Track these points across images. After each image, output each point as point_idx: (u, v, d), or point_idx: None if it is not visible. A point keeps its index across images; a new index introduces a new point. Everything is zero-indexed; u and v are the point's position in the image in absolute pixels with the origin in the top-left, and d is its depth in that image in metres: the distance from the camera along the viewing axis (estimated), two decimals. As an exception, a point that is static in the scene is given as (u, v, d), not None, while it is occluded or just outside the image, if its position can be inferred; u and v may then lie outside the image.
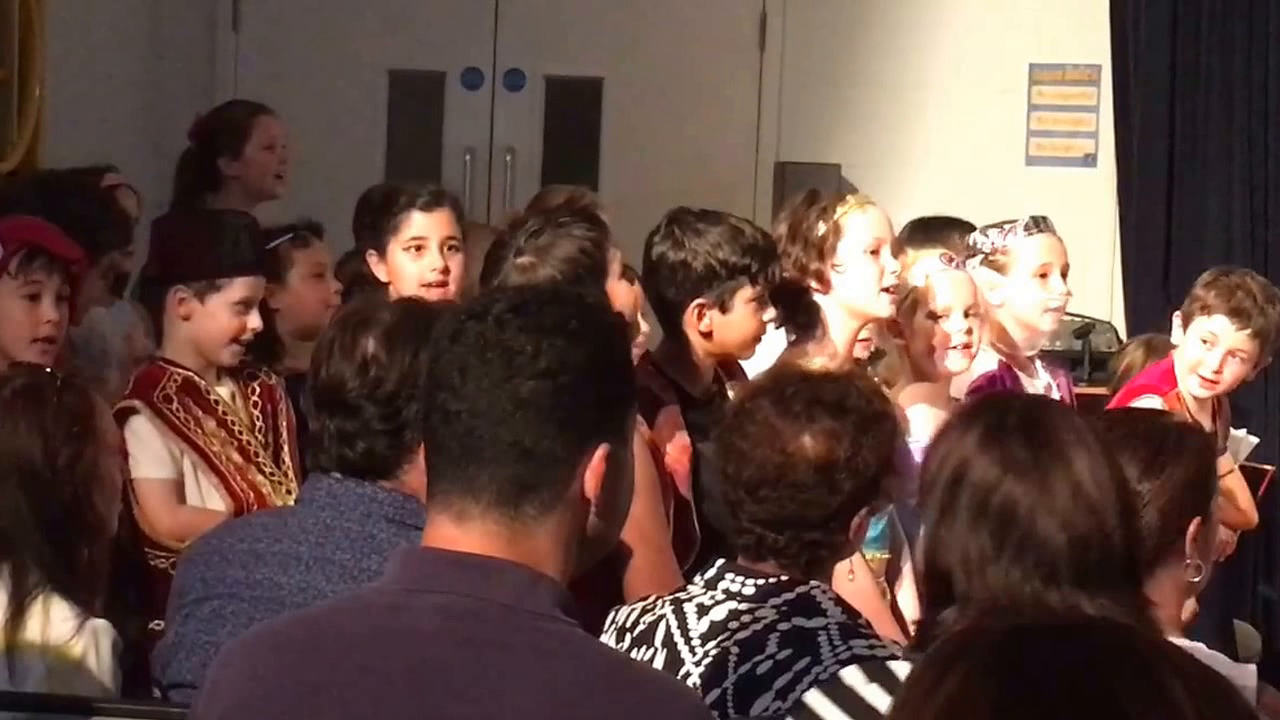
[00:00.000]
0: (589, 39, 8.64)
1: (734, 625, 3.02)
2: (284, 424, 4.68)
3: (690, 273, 4.39)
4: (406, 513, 3.18)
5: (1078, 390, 6.01)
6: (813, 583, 3.06)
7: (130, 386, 4.60)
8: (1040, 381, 5.31)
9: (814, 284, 4.81)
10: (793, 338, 4.81)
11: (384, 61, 8.68)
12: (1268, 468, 6.15)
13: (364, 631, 2.19)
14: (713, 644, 3.02)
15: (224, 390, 4.65)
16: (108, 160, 5.86)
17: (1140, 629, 1.56)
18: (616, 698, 2.14)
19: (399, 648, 2.16)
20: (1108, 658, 1.41)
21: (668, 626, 3.08)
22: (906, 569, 4.56)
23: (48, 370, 3.88)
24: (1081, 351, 7.36)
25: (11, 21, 6.48)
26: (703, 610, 3.07)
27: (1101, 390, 6.23)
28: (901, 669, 2.70)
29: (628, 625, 3.15)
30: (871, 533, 3.96)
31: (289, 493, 4.50)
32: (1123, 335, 7.57)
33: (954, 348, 4.89)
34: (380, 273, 4.96)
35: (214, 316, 4.58)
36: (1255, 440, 6.11)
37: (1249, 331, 5.47)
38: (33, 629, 3.50)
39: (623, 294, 4.31)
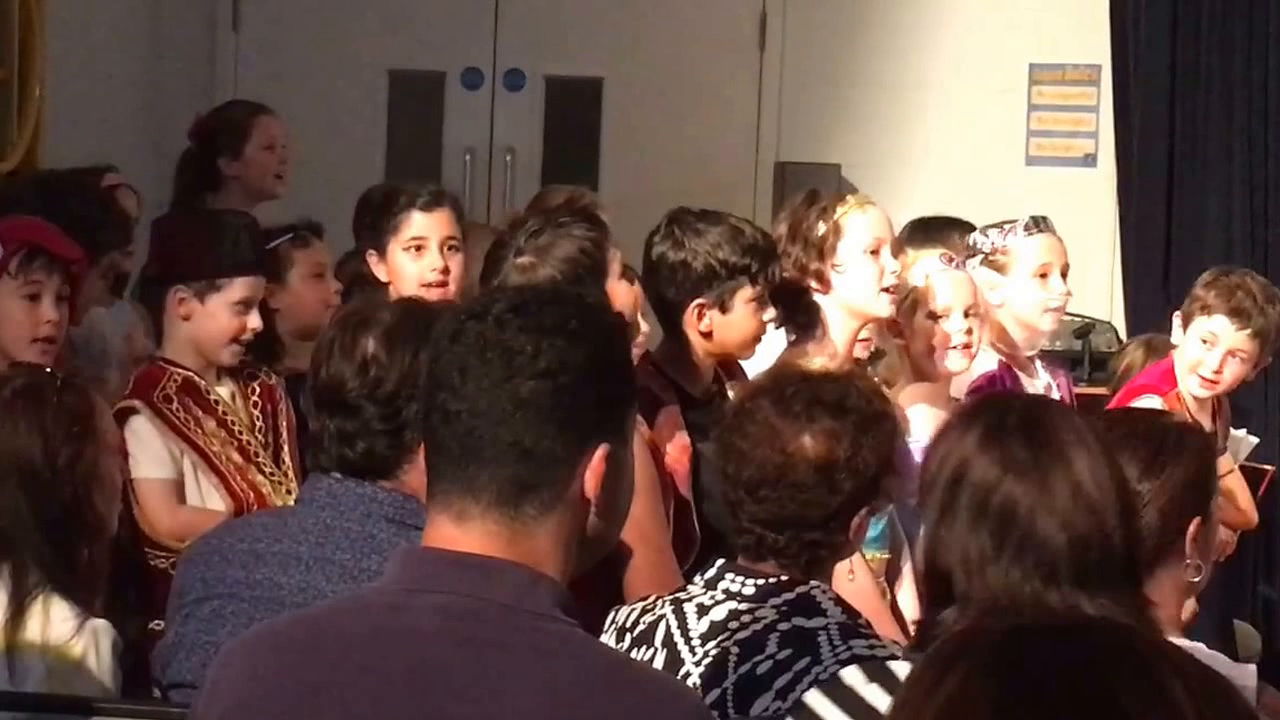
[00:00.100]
0: (589, 39, 8.64)
1: (734, 625, 3.02)
2: (284, 424, 4.68)
3: (690, 273, 4.39)
4: (406, 513, 3.18)
5: (1078, 390, 6.01)
6: (813, 583, 3.06)
7: (130, 386, 4.60)
8: (1040, 381, 5.31)
9: (814, 284, 4.81)
10: (793, 338, 4.81)
11: (384, 61, 8.68)
12: (1268, 468, 6.15)
13: (364, 631, 2.19)
14: (713, 644, 3.02)
15: (224, 390, 4.65)
16: (108, 160, 5.86)
17: (1140, 629, 1.56)
18: (616, 698, 2.14)
19: (399, 648, 2.16)
20: (1108, 658, 1.41)
21: (668, 626, 3.08)
22: (906, 569, 4.56)
23: (48, 370, 3.88)
24: (1081, 351, 7.36)
25: (11, 21, 6.48)
26: (703, 610, 3.07)
27: (1101, 390, 6.23)
28: (901, 669, 2.70)
29: (628, 625, 3.15)
30: (871, 533, 3.96)
31: (289, 493, 4.50)
32: (1123, 335, 7.58)
33: (954, 348, 4.89)
34: (380, 273, 4.96)
35: (214, 316, 4.58)
36: (1255, 440, 6.11)
37: (1249, 331, 5.47)
38: (33, 629, 3.50)
39: (623, 294, 4.31)
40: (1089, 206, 8.23)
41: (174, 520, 4.45)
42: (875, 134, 8.50)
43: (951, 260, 5.02)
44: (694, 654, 3.03)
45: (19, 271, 4.36)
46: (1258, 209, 7.99)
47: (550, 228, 4.20)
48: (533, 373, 2.20)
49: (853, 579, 3.48)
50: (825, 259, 4.80)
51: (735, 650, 2.99)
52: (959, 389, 5.02)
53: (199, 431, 4.54)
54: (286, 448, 4.65)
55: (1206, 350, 5.49)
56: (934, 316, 4.90)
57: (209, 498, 4.51)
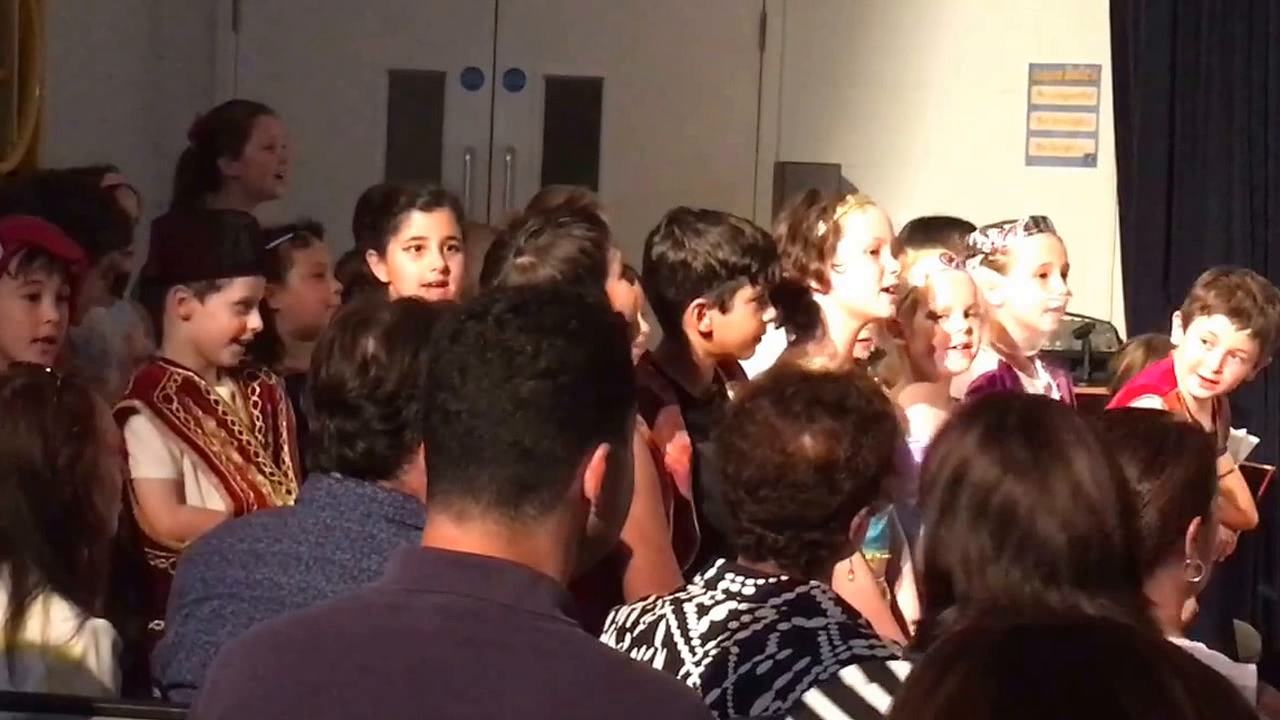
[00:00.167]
0: (589, 39, 8.64)
1: (734, 625, 3.02)
2: (284, 424, 4.68)
3: (690, 273, 4.39)
4: (406, 513, 3.18)
5: (1078, 390, 6.01)
6: (813, 583, 3.06)
7: (130, 386, 4.60)
8: (1040, 381, 5.31)
9: (814, 284, 4.81)
10: (793, 338, 4.81)
11: (384, 61, 8.68)
12: (1268, 468, 6.15)
13: (364, 631, 2.19)
14: (713, 644, 3.02)
15: (224, 390, 4.65)
16: (108, 160, 5.86)
17: (1140, 629, 1.56)
18: (616, 698, 2.14)
19: (399, 648, 2.16)
20: (1108, 658, 1.41)
21: (668, 626, 3.08)
22: (906, 569, 4.56)
23: (48, 370, 3.88)
24: (1081, 351, 7.36)
25: (11, 21, 6.48)
26: (703, 610, 3.07)
27: (1101, 390, 6.23)
28: (901, 669, 2.70)
29: (628, 625, 3.15)
30: (871, 533, 3.96)
31: (289, 493, 4.50)
32: (1123, 335, 7.58)
33: (954, 348, 4.89)
34: (380, 273, 4.96)
35: (214, 316, 4.58)
36: (1255, 440, 6.11)
37: (1249, 331, 5.47)
38: (33, 629, 3.50)
39: (623, 294, 4.31)
40: (1089, 206, 8.23)
41: (174, 520, 4.45)
42: (875, 134, 8.50)
43: (951, 260, 5.02)
44: (694, 654, 3.03)
45: (19, 271, 4.36)
46: (1258, 209, 7.99)
47: (550, 228, 4.20)
48: (533, 373, 2.20)
49: (853, 579, 3.48)
50: (825, 259, 4.80)
51: (735, 650, 2.99)
52: (959, 389, 5.02)
53: (199, 431, 4.54)
54: (286, 448, 4.65)
55: (1206, 350, 5.49)
56: (934, 316, 4.90)
57: (209, 498, 4.51)
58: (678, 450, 4.27)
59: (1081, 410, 3.56)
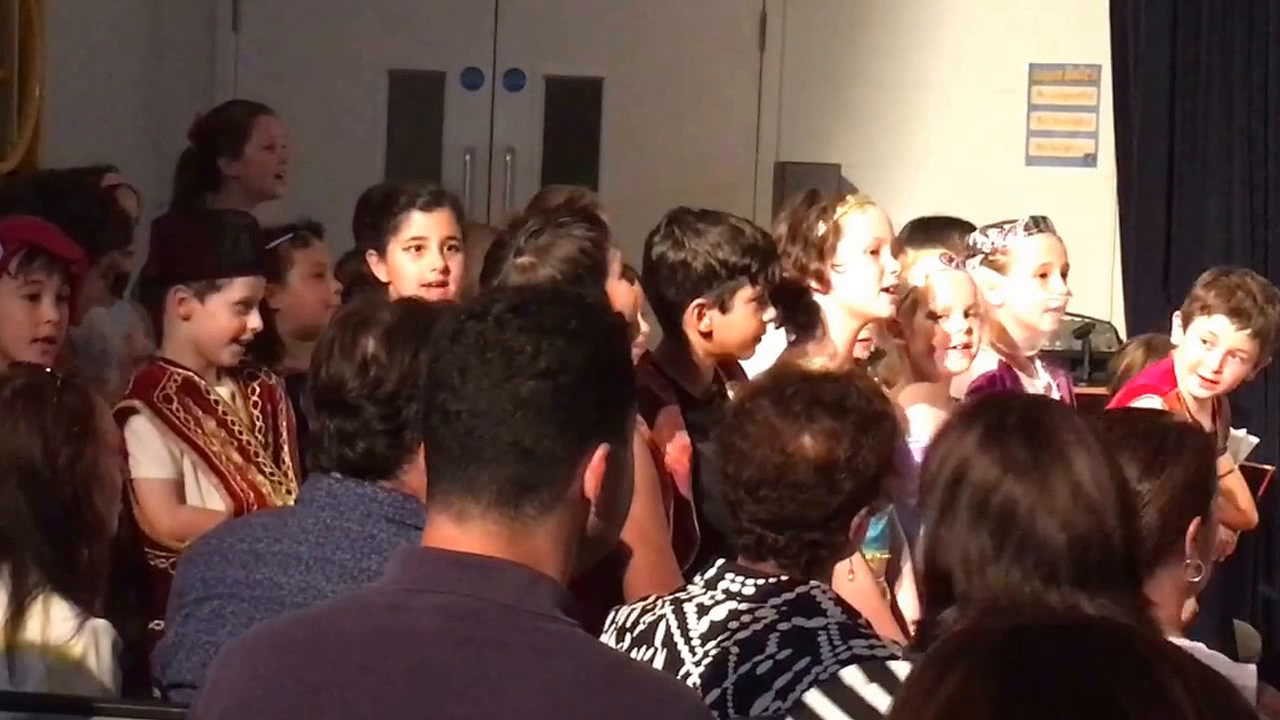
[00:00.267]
0: (589, 39, 8.64)
1: (734, 625, 3.02)
2: (284, 424, 4.68)
3: (690, 273, 4.39)
4: (406, 513, 3.18)
5: (1078, 390, 6.01)
6: (813, 583, 3.06)
7: (130, 386, 4.60)
8: (1040, 381, 5.31)
9: (814, 284, 4.81)
10: (793, 338, 4.81)
11: (384, 61, 8.68)
12: (1268, 468, 6.15)
13: (364, 631, 2.19)
14: (713, 644, 3.02)
15: (224, 390, 4.65)
16: (108, 160, 5.86)
17: (1140, 629, 1.56)
18: (616, 698, 2.14)
19: (399, 648, 2.16)
20: (1108, 658, 1.41)
21: (668, 626, 3.08)
22: (906, 569, 4.56)
23: (48, 370, 3.88)
24: (1081, 351, 7.36)
25: (11, 21, 6.48)
26: (703, 610, 3.07)
27: (1101, 390, 6.23)
28: (901, 669, 2.70)
29: (628, 625, 3.15)
30: (871, 533, 3.96)
31: (289, 493, 4.50)
32: (1123, 335, 7.58)
33: (954, 348, 4.89)
34: (380, 273, 4.96)
35: (214, 316, 4.58)
36: (1255, 440, 6.11)
37: (1249, 331, 5.47)
38: (33, 629, 3.50)
39: (623, 294, 4.31)
40: (1089, 206, 8.23)
41: (174, 520, 4.45)
42: (875, 134, 8.50)
43: (951, 260, 5.02)
44: (694, 654, 3.03)
45: (19, 271, 4.36)
46: (1258, 209, 7.99)
47: (550, 228, 4.19)
48: (533, 373, 2.20)
49: (853, 579, 3.48)
50: (825, 259, 4.80)
51: (735, 650, 2.99)
52: (959, 389, 5.02)
53: (199, 431, 4.54)
54: (286, 448, 4.65)
55: (1206, 350, 5.49)
56: (934, 316, 4.90)
57: (209, 498, 4.51)
58: (678, 450, 4.27)
59: (1081, 410, 3.55)
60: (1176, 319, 5.63)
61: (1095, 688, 1.39)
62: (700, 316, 4.39)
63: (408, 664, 2.15)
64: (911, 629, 3.79)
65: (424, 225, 4.91)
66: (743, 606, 3.04)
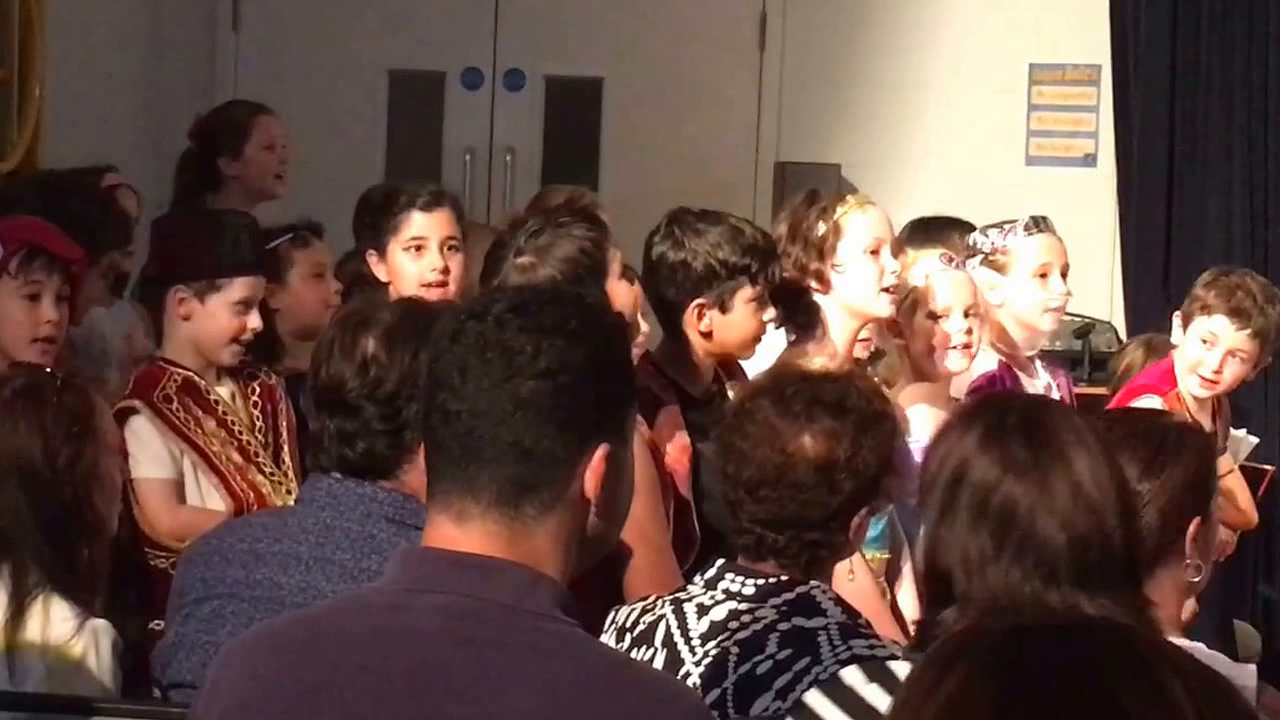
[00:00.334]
0: (589, 39, 8.64)
1: (734, 625, 3.02)
2: (284, 424, 4.68)
3: (690, 273, 4.39)
4: (406, 513, 3.18)
5: (1078, 390, 6.01)
6: (813, 583, 3.06)
7: (130, 386, 4.60)
8: (1040, 381, 5.31)
9: (814, 284, 4.81)
10: (793, 338, 4.81)
11: (384, 61, 8.68)
12: (1268, 468, 6.15)
13: (364, 631, 2.19)
14: (713, 644, 3.02)
15: (224, 390, 4.65)
16: (108, 160, 5.86)
17: (1140, 629, 1.56)
18: (616, 698, 2.14)
19: (399, 648, 2.16)
20: (1108, 658, 1.41)
21: (668, 626, 3.08)
22: (906, 569, 4.56)
23: (48, 370, 3.88)
24: (1081, 351, 7.36)
25: (11, 21, 6.48)
26: (703, 610, 3.07)
27: (1101, 390, 6.23)
28: (901, 669, 2.70)
29: (628, 625, 3.15)
30: (871, 533, 3.96)
31: (289, 493, 4.50)
32: (1123, 335, 7.58)
33: (954, 348, 4.89)
34: (380, 273, 4.96)
35: (214, 316, 4.58)
36: (1255, 440, 6.11)
37: (1249, 331, 5.47)
38: (33, 629, 3.50)
39: (623, 294, 4.31)
40: (1089, 206, 8.23)
41: (174, 520, 4.45)
42: (875, 134, 8.50)
43: (951, 260, 5.02)
44: (694, 654, 3.03)
45: (19, 271, 4.36)
46: (1258, 209, 7.99)
47: (550, 228, 4.19)
48: (533, 373, 2.20)
49: (853, 579, 3.48)
50: (825, 259, 4.80)
51: (735, 650, 2.99)
52: (959, 389, 5.02)
53: (199, 431, 4.54)
54: (286, 448, 4.66)
55: (1206, 350, 5.49)
56: (934, 316, 4.90)
57: (209, 498, 4.51)
58: (678, 450, 4.27)
59: (1081, 410, 3.56)
60: (1176, 319, 5.63)
61: (1095, 688, 1.39)
62: (700, 316, 4.39)
63: (408, 664, 2.15)
64: (911, 629, 3.79)
65: (424, 225, 4.91)
66: (743, 606, 3.04)
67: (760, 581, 3.05)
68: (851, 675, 2.75)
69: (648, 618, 3.12)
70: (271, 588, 3.21)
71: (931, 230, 5.78)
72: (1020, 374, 5.24)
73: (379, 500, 3.22)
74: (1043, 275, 5.26)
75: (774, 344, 4.69)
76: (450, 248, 4.92)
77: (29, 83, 6.55)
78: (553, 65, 8.68)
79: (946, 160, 8.39)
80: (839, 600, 3.07)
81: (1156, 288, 7.97)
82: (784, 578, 3.06)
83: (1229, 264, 6.38)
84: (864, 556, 4.23)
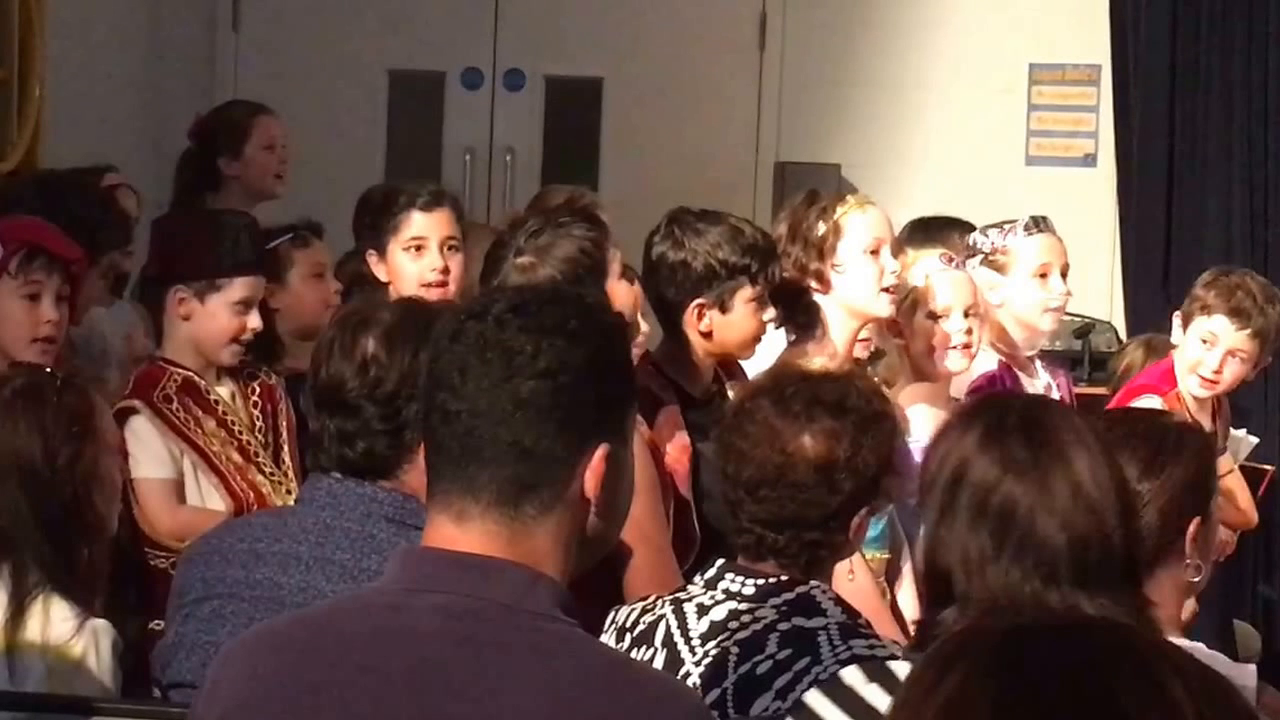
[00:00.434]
0: (589, 39, 8.64)
1: (734, 625, 3.02)
2: (284, 424, 4.68)
3: (690, 273, 4.39)
4: (406, 513, 3.18)
5: (1078, 390, 6.01)
6: (813, 583, 3.06)
7: (130, 386, 4.60)
8: (1040, 381, 5.31)
9: (814, 284, 4.81)
10: (793, 338, 4.81)
11: (384, 61, 8.68)
12: (1268, 468, 6.15)
13: (364, 631, 2.19)
14: (713, 644, 3.02)
15: (224, 390, 4.65)
16: (108, 160, 5.86)
17: (1140, 629, 1.56)
18: (616, 697, 2.14)
19: (399, 648, 2.16)
20: (1108, 658, 1.41)
21: (668, 626, 3.08)
22: (906, 569, 4.56)
23: (48, 370, 3.88)
24: (1081, 351, 7.36)
25: (11, 21, 6.48)
26: (703, 610, 3.07)
27: (1101, 390, 6.23)
28: (901, 669, 2.70)
29: (628, 625, 3.15)
30: (871, 533, 3.96)
31: (289, 493, 4.50)
32: (1123, 335, 7.58)
33: (954, 348, 4.89)
34: (380, 273, 4.96)
35: (214, 316, 4.58)
36: (1255, 440, 6.11)
37: (1249, 331, 5.47)
38: (33, 629, 3.50)
39: (623, 294, 4.31)
40: (1089, 206, 8.23)
41: (174, 520, 4.45)
42: (875, 134, 8.50)
43: (951, 260, 5.02)
44: (694, 654, 3.03)
45: (19, 271, 4.36)
46: (1258, 209, 7.99)
47: (550, 228, 4.19)
48: (533, 373, 2.20)
49: (853, 579, 3.48)
50: (825, 259, 4.80)
51: (735, 650, 2.99)
52: (959, 389, 5.03)
53: (199, 431, 4.54)
54: (286, 448, 4.66)
55: (1206, 350, 5.49)
56: (934, 316, 4.90)
57: (209, 498, 4.51)
58: (678, 450, 4.27)
59: (1081, 410, 3.56)
60: (1176, 319, 5.63)
61: (1095, 688, 1.39)
62: (700, 316, 4.39)
63: (407, 664, 2.15)
64: (911, 629, 3.79)
65: (424, 225, 4.91)
66: (743, 606, 3.04)
67: (760, 581, 3.05)
68: (851, 675, 2.75)
69: (648, 618, 3.12)
70: (271, 588, 3.21)
71: (931, 230, 5.78)
72: (1020, 374, 5.24)
73: (379, 500, 3.22)
74: (1043, 275, 5.26)
75: (774, 344, 4.69)
76: (450, 248, 4.92)
77: (29, 83, 6.55)
78: (553, 65, 8.68)
79: (946, 160, 8.39)
80: (839, 600, 3.07)
81: (1156, 288, 7.97)
82: (784, 578, 3.05)
83: (1229, 264, 6.37)
84: (864, 556, 4.23)
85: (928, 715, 1.41)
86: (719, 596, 3.07)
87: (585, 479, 2.23)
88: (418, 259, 4.90)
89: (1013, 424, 2.72)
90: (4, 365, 4.13)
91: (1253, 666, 3.28)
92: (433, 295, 4.65)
